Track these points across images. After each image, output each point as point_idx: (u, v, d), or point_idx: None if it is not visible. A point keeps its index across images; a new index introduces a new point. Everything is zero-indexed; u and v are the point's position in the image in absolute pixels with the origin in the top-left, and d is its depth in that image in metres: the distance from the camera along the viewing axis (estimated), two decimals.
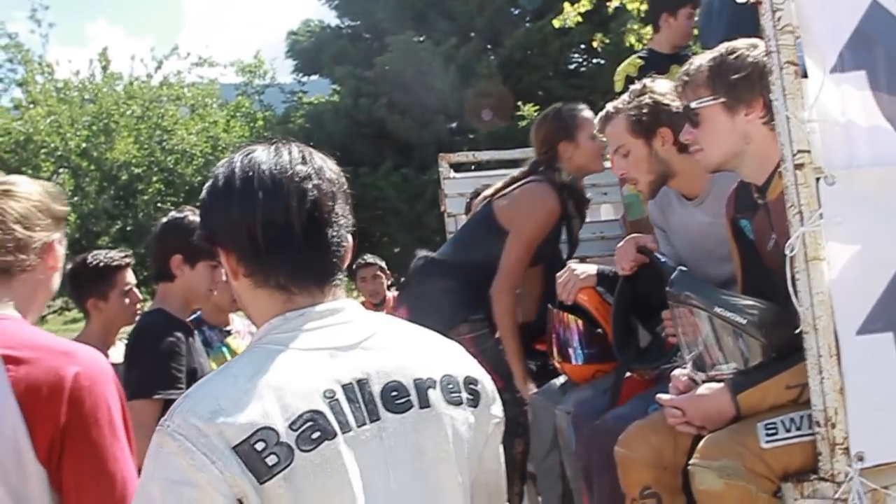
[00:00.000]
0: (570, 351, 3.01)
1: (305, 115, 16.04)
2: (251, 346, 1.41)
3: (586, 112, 3.65)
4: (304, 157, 1.42)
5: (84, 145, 16.00)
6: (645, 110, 2.72)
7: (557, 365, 3.10)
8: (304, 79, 17.93)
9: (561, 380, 3.10)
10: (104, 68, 16.98)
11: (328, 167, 1.45)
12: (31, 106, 16.33)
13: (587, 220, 4.04)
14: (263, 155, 1.41)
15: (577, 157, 3.56)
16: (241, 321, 3.79)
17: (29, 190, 1.76)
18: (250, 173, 1.38)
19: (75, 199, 15.07)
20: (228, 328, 3.73)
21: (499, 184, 3.72)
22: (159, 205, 15.12)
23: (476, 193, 4.93)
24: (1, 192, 1.71)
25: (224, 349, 3.57)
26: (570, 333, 3.00)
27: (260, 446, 1.24)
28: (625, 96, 2.84)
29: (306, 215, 1.37)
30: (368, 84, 15.64)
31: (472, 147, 12.47)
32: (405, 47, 15.25)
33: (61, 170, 16.02)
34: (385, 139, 14.93)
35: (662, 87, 2.75)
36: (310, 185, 1.38)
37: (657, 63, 4.05)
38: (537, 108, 11.32)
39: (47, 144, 15.94)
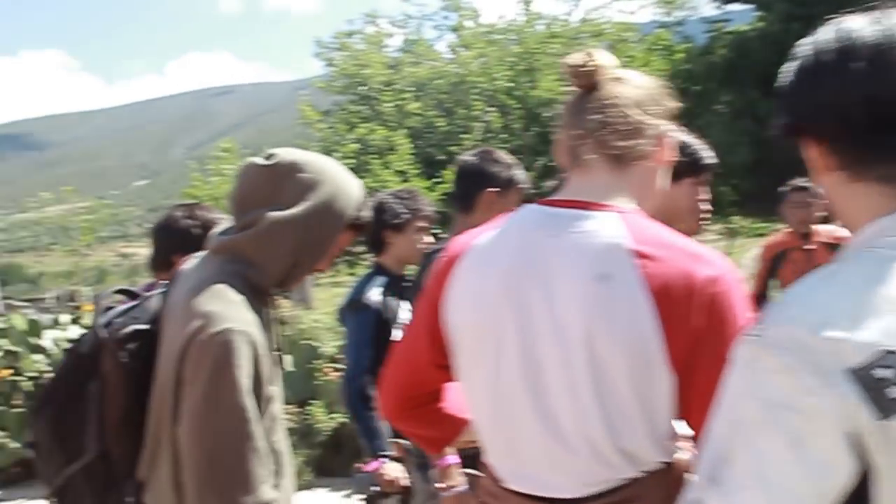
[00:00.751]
0: None
1: (729, 45, 16.00)
2: (854, 250, 1.13)
3: None
4: None
5: (510, 84, 16.46)
6: None
7: None
8: (726, 7, 16.72)
9: None
10: (526, 10, 17.46)
11: None
12: (463, 49, 17.10)
13: None
14: (861, 22, 1.14)
15: None
16: None
17: (641, 78, 1.64)
18: (845, 44, 1.12)
19: (503, 135, 16.01)
20: None
21: None
22: None
23: None
24: (612, 78, 1.59)
25: None
26: None
27: (883, 373, 0.98)
28: None
29: None
30: (800, 6, 14.77)
31: None
32: None
33: (490, 108, 16.50)
34: None
35: None
36: None
37: None
38: None
39: (477, 85, 16.79)
